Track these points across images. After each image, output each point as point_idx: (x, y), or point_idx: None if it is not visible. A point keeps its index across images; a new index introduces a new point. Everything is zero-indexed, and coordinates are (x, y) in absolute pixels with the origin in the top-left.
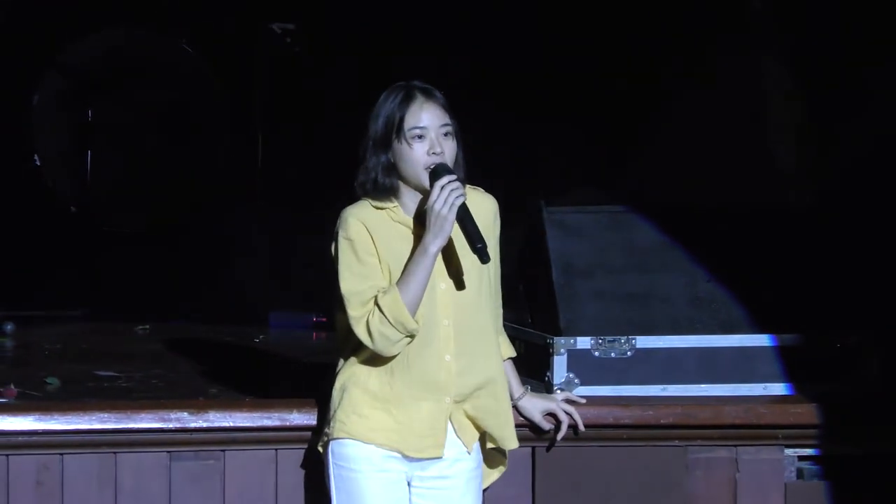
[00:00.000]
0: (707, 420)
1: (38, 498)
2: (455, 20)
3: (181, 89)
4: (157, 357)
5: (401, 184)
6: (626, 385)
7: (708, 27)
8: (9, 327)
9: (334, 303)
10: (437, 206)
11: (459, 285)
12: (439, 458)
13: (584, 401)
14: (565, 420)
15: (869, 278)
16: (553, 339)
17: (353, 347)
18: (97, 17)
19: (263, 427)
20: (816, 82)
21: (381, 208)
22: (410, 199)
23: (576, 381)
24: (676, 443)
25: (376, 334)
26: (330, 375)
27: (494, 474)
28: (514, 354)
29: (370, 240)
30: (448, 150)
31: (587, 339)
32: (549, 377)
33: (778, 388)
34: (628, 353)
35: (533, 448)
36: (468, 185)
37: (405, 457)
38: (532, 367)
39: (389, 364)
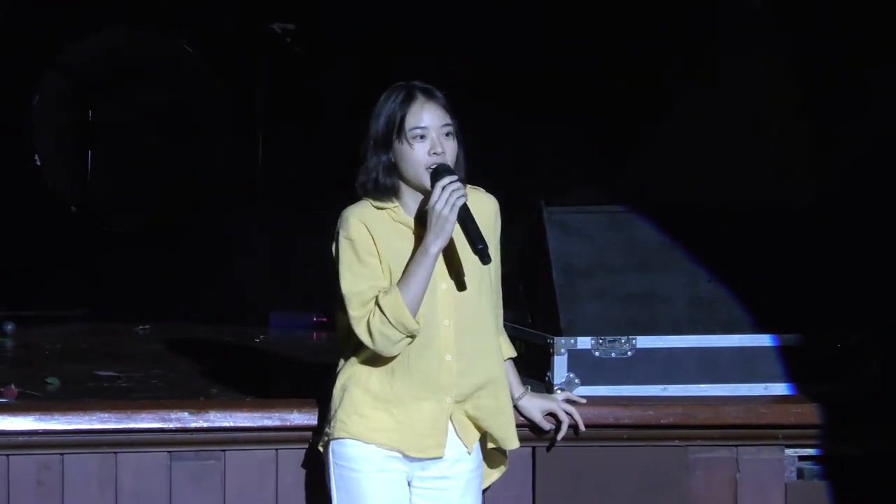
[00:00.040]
0: (707, 420)
1: (38, 498)
2: (455, 20)
3: (181, 89)
4: (157, 357)
5: (402, 184)
6: (626, 385)
7: (708, 27)
8: (9, 327)
9: (335, 303)
10: (439, 207)
11: (460, 285)
12: (440, 458)
13: (584, 401)
14: (566, 420)
15: (869, 278)
16: (553, 339)
17: (353, 347)
18: (97, 17)
19: (264, 427)
20: (816, 82)
21: (382, 208)
22: (411, 199)
23: (576, 381)
24: (677, 443)
25: (377, 334)
26: (330, 375)
27: (495, 474)
28: (514, 354)
29: (371, 240)
30: (449, 150)
31: (587, 339)
32: (549, 377)
33: (778, 388)
34: (629, 353)
35: (533, 448)
36: (469, 185)
37: (406, 457)
38: (532, 367)
39: (390, 364)
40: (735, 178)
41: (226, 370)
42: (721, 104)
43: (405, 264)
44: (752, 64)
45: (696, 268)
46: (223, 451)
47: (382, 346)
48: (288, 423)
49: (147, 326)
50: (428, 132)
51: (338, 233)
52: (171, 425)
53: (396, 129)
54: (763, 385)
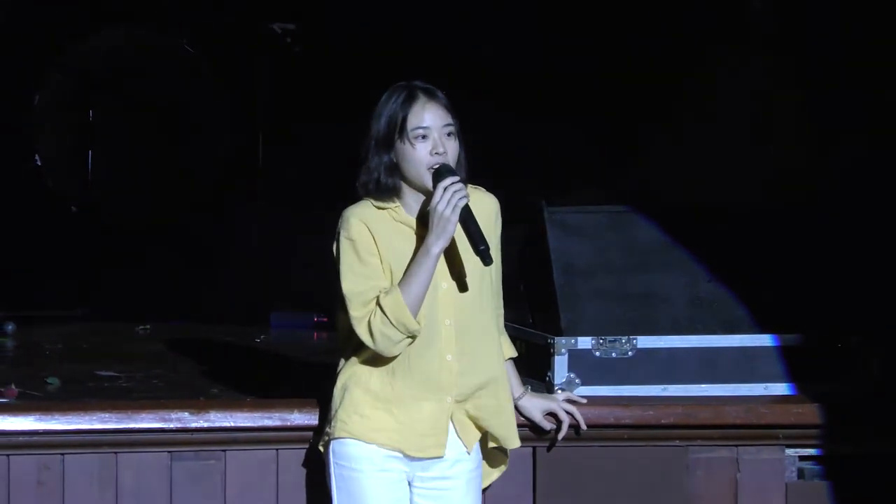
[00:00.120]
0: (708, 420)
1: (38, 498)
2: (455, 20)
3: (181, 89)
4: (157, 357)
5: (403, 184)
6: (626, 385)
7: (708, 27)
8: (9, 327)
9: (336, 302)
10: (441, 208)
11: (461, 285)
12: (441, 457)
13: (584, 401)
14: (566, 420)
15: (869, 278)
16: (554, 339)
17: (354, 347)
18: (97, 17)
19: (264, 427)
20: (817, 82)
21: (383, 208)
22: (413, 199)
23: (577, 381)
24: (677, 443)
25: (378, 334)
26: (331, 375)
27: (495, 473)
28: (514, 354)
29: (372, 240)
30: (450, 150)
31: (588, 339)
32: (550, 377)
33: (779, 388)
34: (629, 353)
35: (534, 448)
36: (469, 185)
37: (406, 456)
38: (533, 367)
39: (391, 364)
40: (735, 179)
41: (226, 370)
42: (721, 104)
43: (406, 264)
44: (753, 64)
45: (697, 268)
46: (223, 451)
47: (383, 347)
48: (288, 423)
49: (147, 326)
50: (430, 132)
51: (339, 233)
52: (172, 425)
53: (398, 129)
54: (763, 385)
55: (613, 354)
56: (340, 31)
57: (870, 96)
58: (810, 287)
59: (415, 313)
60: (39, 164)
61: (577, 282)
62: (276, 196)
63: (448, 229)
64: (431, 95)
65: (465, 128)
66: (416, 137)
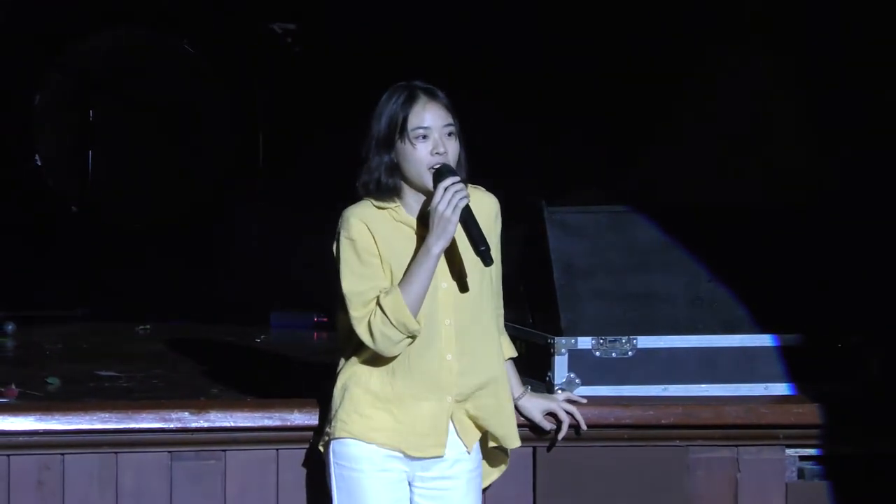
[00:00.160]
0: (708, 420)
1: (39, 498)
2: (455, 20)
3: (181, 89)
4: (157, 357)
5: (403, 184)
6: (627, 385)
7: (708, 27)
8: (10, 327)
9: (336, 302)
10: (441, 208)
11: (461, 285)
12: (440, 457)
13: (585, 401)
14: (566, 420)
15: (869, 278)
16: (554, 339)
17: (354, 347)
18: (97, 17)
19: (264, 427)
20: (817, 82)
21: (384, 208)
22: (413, 199)
23: (577, 381)
24: (677, 443)
25: (378, 335)
26: (331, 375)
27: (495, 473)
28: (515, 354)
29: (372, 240)
30: (451, 150)
31: (588, 339)
32: (550, 377)
33: (779, 388)
34: (629, 353)
35: (534, 448)
36: (469, 185)
37: (407, 456)
38: (533, 367)
39: (391, 364)
40: (735, 179)
41: (226, 370)
42: (721, 104)
43: (406, 264)
44: (753, 64)
45: (697, 268)
46: (224, 451)
47: (383, 347)
48: (288, 423)
49: (148, 326)
50: (430, 132)
51: (339, 233)
52: (172, 425)
53: (399, 129)
54: (763, 385)
55: (613, 354)
56: (340, 31)
57: (870, 96)
58: (810, 287)
59: (415, 313)
60: (39, 164)
61: (577, 282)
62: (276, 196)
63: (449, 230)
64: (432, 95)
65: (466, 128)
66: (417, 137)
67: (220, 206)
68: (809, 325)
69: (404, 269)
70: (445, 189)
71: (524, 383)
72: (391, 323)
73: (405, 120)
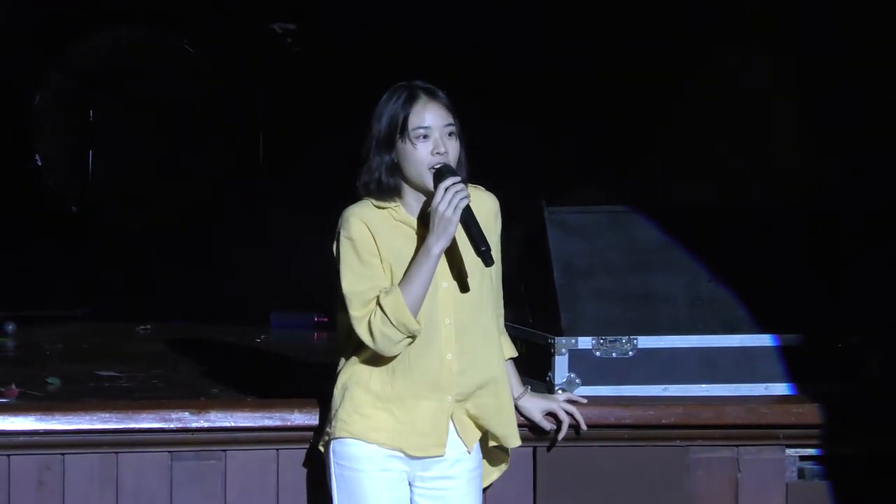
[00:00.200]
0: (708, 420)
1: (39, 498)
2: (455, 20)
3: (181, 89)
4: (158, 357)
5: (404, 184)
6: (627, 385)
7: (708, 27)
8: (10, 327)
9: (336, 302)
10: (442, 209)
11: (461, 284)
12: (441, 456)
13: (585, 401)
14: (566, 420)
15: (869, 278)
16: (554, 339)
17: (354, 347)
18: (97, 17)
19: (265, 427)
20: (816, 82)
21: (383, 207)
22: (413, 199)
23: (577, 381)
24: (678, 443)
25: (378, 334)
26: (331, 375)
27: (496, 473)
28: (515, 354)
29: (372, 239)
30: (452, 150)
31: (588, 339)
32: (550, 377)
33: (779, 388)
34: (630, 353)
35: (534, 448)
36: (469, 184)
37: (407, 456)
38: (533, 368)
39: (391, 363)
40: (735, 179)
41: (226, 370)
42: (721, 104)
43: (406, 264)
44: (753, 64)
45: (697, 268)
46: (224, 451)
47: (383, 346)
48: (289, 423)
49: (148, 326)
50: (431, 132)
51: (339, 232)
52: (172, 425)
53: (399, 128)
54: (764, 385)
55: (614, 354)
56: (340, 31)
57: (870, 96)
58: (810, 287)
59: (415, 313)
60: (39, 164)
61: (578, 282)
62: (276, 196)
63: (449, 230)
64: (433, 95)
65: (466, 128)
66: (418, 137)
67: (220, 206)
68: (809, 325)
69: (404, 269)
70: (446, 189)
71: (524, 383)
72: (391, 323)
73: (406, 120)
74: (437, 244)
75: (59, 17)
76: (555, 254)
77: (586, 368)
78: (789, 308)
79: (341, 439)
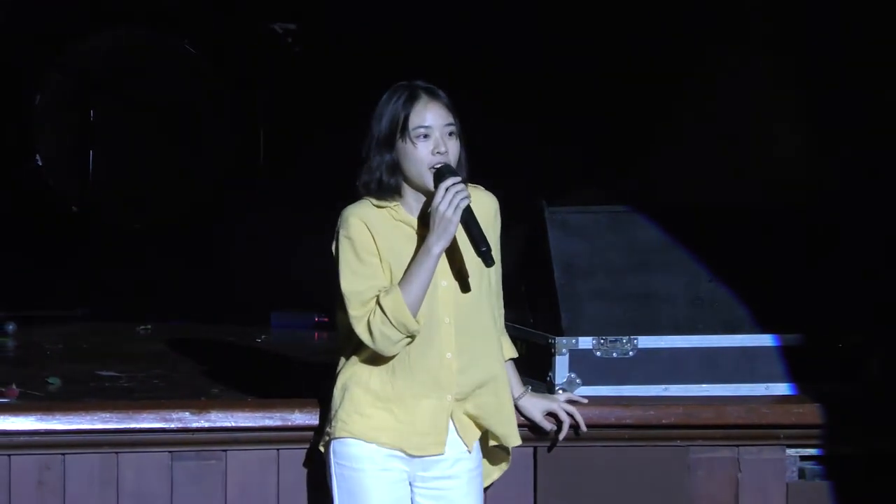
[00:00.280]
0: (709, 420)
1: (39, 498)
2: (455, 20)
3: (181, 89)
4: (158, 357)
5: (404, 183)
6: (627, 385)
7: (708, 27)
8: (10, 327)
9: (335, 302)
10: (442, 208)
11: (461, 283)
12: (441, 455)
13: (585, 401)
14: (567, 420)
15: (869, 278)
16: (555, 339)
17: (354, 347)
18: (97, 17)
19: (265, 427)
20: (816, 82)
21: (383, 207)
22: (413, 198)
23: (577, 381)
24: (678, 443)
25: (377, 334)
26: (331, 375)
27: (496, 472)
28: (515, 355)
29: (371, 239)
30: (452, 150)
31: (589, 339)
32: (550, 377)
33: (780, 388)
34: (630, 353)
35: (535, 448)
36: (469, 184)
37: (407, 455)
38: (534, 368)
39: (391, 363)
40: (735, 179)
41: (227, 370)
42: (721, 104)
43: (406, 264)
44: (753, 64)
45: (697, 268)
46: (224, 451)
47: (383, 346)
48: (289, 423)
49: (148, 326)
50: (431, 131)
51: (338, 232)
52: (173, 425)
53: (400, 128)
54: (764, 385)
55: (614, 354)
56: (340, 31)
57: (870, 96)
58: (810, 287)
59: (414, 313)
60: (40, 164)
61: (578, 282)
62: (276, 196)
63: (449, 230)
64: (433, 95)
65: (466, 128)
66: (418, 137)
67: (220, 206)
68: (809, 325)
69: (404, 269)
70: (447, 189)
71: (525, 383)
72: (391, 322)
73: (406, 119)
74: (438, 244)
75: (59, 17)
76: (555, 254)
77: (587, 368)
78: (790, 308)
79: (341, 439)
